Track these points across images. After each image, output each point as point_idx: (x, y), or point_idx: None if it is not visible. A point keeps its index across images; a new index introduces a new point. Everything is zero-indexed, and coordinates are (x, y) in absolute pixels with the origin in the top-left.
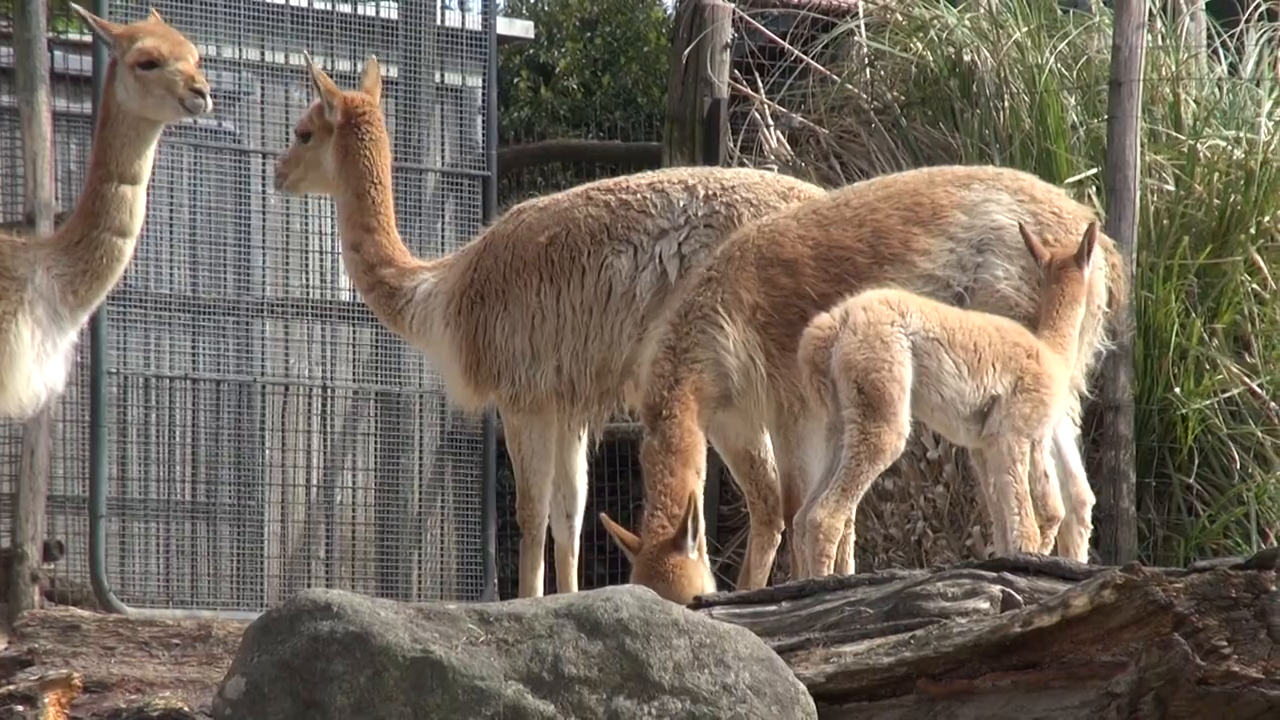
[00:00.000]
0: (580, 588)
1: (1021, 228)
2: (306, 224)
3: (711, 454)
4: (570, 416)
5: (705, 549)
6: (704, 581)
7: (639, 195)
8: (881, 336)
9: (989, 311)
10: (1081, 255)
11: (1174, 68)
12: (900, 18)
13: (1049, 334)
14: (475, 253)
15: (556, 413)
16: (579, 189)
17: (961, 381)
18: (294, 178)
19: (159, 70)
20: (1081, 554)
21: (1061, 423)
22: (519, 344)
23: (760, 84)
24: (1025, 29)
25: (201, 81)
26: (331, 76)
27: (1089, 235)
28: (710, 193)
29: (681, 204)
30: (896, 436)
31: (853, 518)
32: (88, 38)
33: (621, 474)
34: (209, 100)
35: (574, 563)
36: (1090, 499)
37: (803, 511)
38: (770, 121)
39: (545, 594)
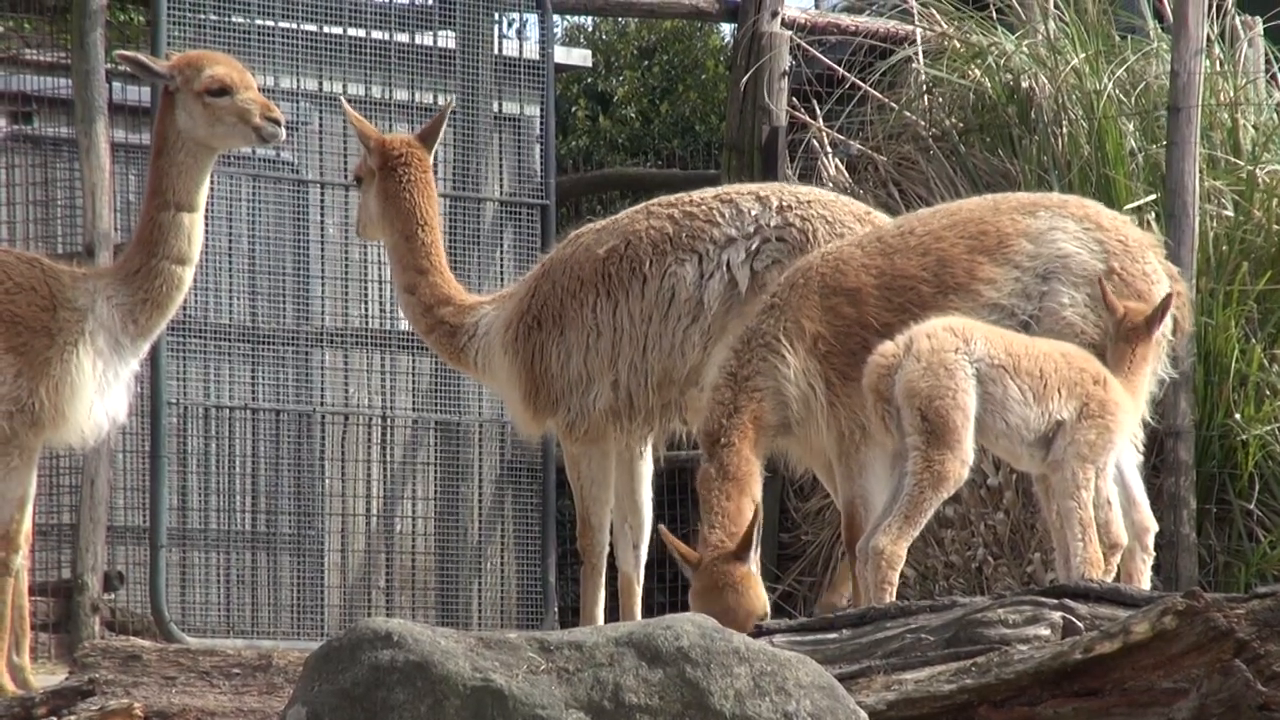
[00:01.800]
0: (641, 616)
1: (1100, 282)
2: (365, 253)
3: (769, 482)
4: (629, 433)
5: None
6: (762, 594)
7: (704, 206)
8: (945, 364)
9: (1055, 339)
10: (1154, 320)
11: (1232, 93)
12: (958, 45)
13: (1122, 384)
14: (534, 279)
15: (615, 432)
16: (638, 207)
17: (1026, 408)
18: (360, 222)
19: (230, 98)
20: (1145, 581)
21: (1125, 450)
22: (574, 369)
23: (818, 111)
24: (1083, 55)
25: (276, 111)
26: (388, 106)
27: (1165, 304)
28: (784, 204)
29: (753, 213)
30: (960, 464)
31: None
32: None
33: (681, 502)
34: (284, 129)
35: (639, 591)
36: (1154, 526)
37: (865, 538)
38: (828, 149)
39: (607, 622)
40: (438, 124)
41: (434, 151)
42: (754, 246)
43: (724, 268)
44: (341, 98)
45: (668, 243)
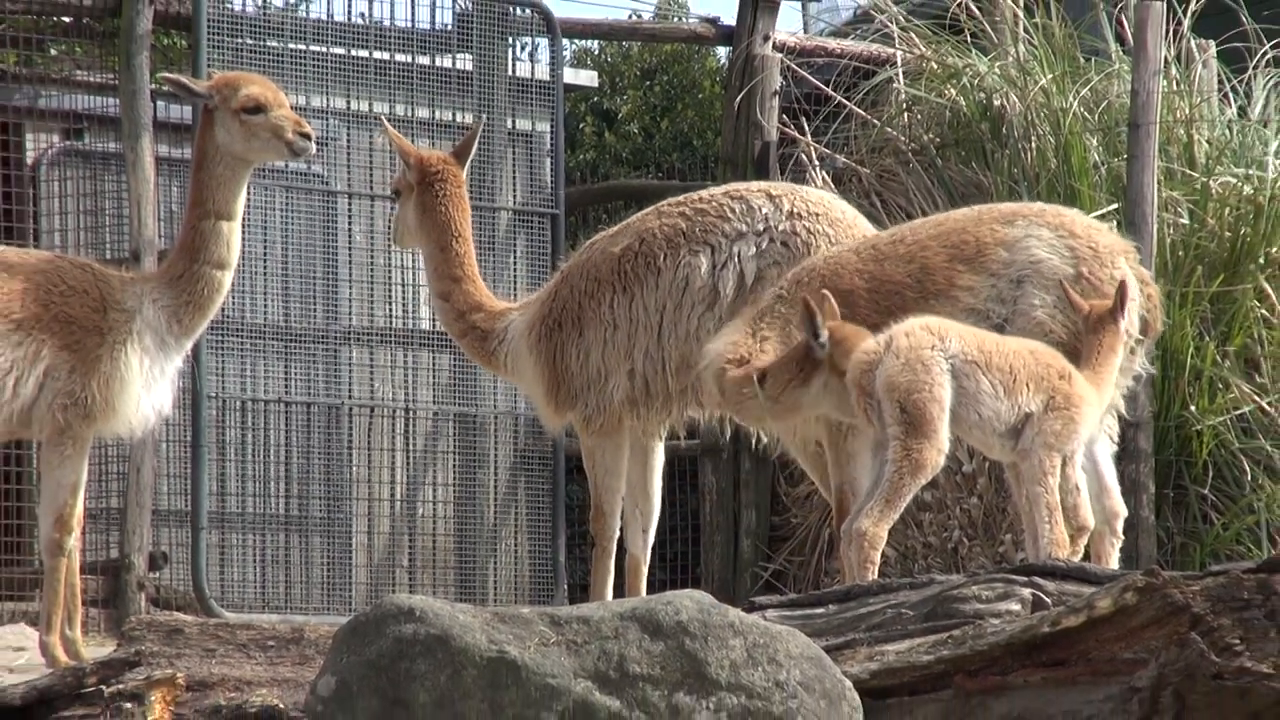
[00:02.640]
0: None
1: (1062, 284)
2: (390, 259)
3: (760, 469)
4: (646, 420)
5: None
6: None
7: (714, 203)
8: (922, 360)
9: (1027, 337)
10: (1116, 310)
11: (1188, 111)
12: (935, 66)
13: (1089, 374)
14: (554, 285)
15: (632, 420)
16: (648, 209)
17: (997, 401)
18: (397, 233)
19: (264, 115)
20: (1113, 562)
21: (1099, 440)
22: (593, 365)
23: (806, 128)
24: (1050, 76)
25: (307, 126)
26: (410, 123)
27: (1120, 293)
28: (795, 210)
29: (764, 211)
30: (937, 452)
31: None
32: None
33: (681, 488)
34: (314, 144)
35: (644, 573)
36: (1123, 511)
37: (849, 521)
38: (816, 162)
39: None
40: (470, 141)
41: (467, 167)
42: (763, 245)
43: (735, 259)
44: (383, 118)
45: (681, 237)
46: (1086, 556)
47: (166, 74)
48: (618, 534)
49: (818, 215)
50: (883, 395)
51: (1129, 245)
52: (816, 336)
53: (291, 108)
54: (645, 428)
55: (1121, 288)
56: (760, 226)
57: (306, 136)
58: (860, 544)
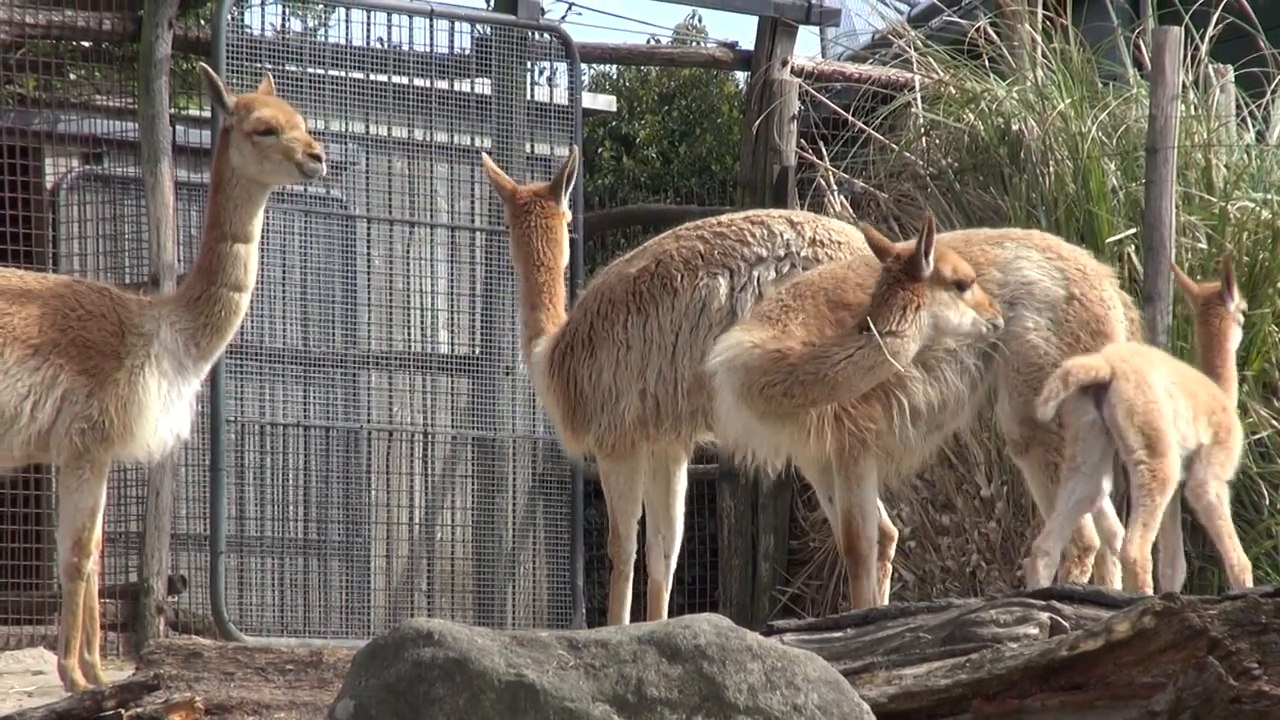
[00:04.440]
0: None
1: (1174, 268)
2: (409, 283)
3: (778, 492)
4: (657, 441)
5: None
6: None
7: (734, 227)
8: (1151, 383)
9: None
10: (1225, 291)
11: (1206, 135)
12: (953, 90)
13: (1223, 384)
14: (574, 310)
15: (644, 442)
16: (666, 233)
17: (1188, 426)
18: (511, 259)
19: (275, 138)
20: (1116, 582)
21: None
22: (604, 386)
23: (825, 152)
24: (1068, 101)
25: (318, 148)
26: (429, 148)
27: (1226, 272)
28: (817, 237)
29: (785, 236)
30: (1174, 467)
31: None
32: (206, 113)
33: (700, 512)
34: (324, 165)
35: (666, 597)
36: (1120, 531)
37: (1039, 540)
38: (834, 187)
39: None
40: (563, 172)
41: (565, 195)
42: (784, 269)
43: (755, 283)
44: (484, 154)
45: (699, 259)
46: (1091, 578)
47: (206, 67)
48: (634, 557)
49: (839, 244)
50: (1123, 420)
51: (1111, 271)
52: (928, 254)
53: (310, 132)
54: (658, 448)
55: (1227, 264)
56: (781, 252)
57: (316, 158)
58: (1134, 571)
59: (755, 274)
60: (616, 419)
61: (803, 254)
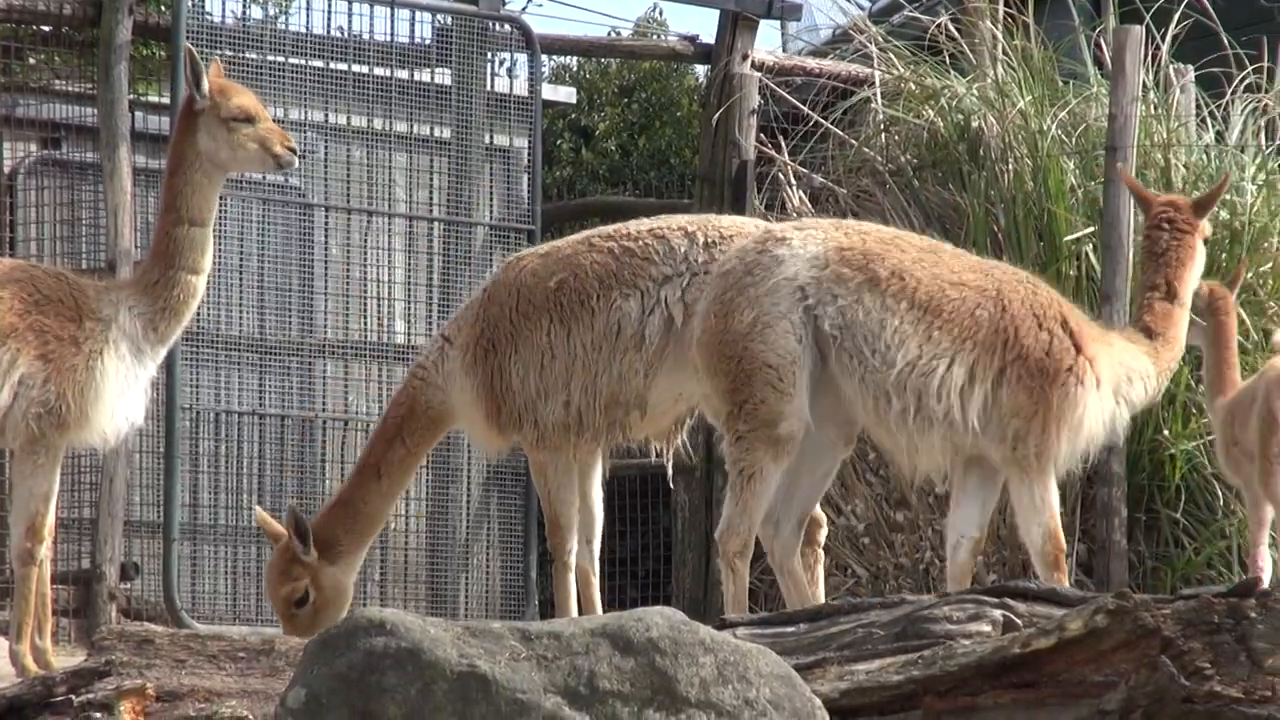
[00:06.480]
0: (612, 609)
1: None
2: (365, 272)
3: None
4: (577, 448)
5: None
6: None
7: (641, 243)
8: None
9: None
10: (1234, 282)
11: (1165, 135)
12: (913, 87)
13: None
14: (479, 305)
15: (566, 446)
16: (579, 236)
17: None
18: None
19: (253, 127)
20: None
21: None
22: (533, 384)
23: (784, 147)
24: (1028, 98)
25: (292, 141)
26: (388, 138)
27: (1236, 272)
28: (709, 240)
29: (682, 250)
30: None
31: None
32: (165, 99)
33: (653, 505)
34: (298, 158)
35: (596, 583)
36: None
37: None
38: (793, 181)
39: (578, 614)
40: None
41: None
42: (685, 283)
43: (663, 304)
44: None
45: (612, 278)
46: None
47: (190, 47)
48: (576, 547)
49: (730, 238)
50: None
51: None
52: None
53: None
54: (576, 454)
55: (1238, 270)
56: (682, 266)
57: (292, 151)
58: None
59: (662, 294)
60: (544, 416)
61: (700, 260)
